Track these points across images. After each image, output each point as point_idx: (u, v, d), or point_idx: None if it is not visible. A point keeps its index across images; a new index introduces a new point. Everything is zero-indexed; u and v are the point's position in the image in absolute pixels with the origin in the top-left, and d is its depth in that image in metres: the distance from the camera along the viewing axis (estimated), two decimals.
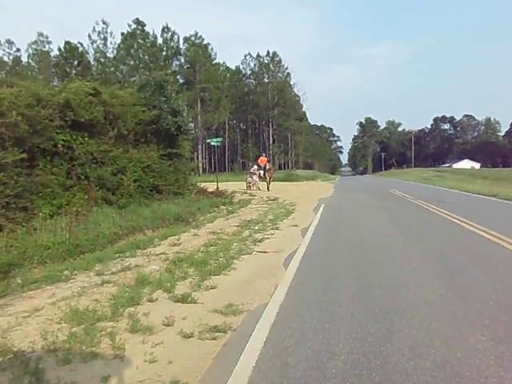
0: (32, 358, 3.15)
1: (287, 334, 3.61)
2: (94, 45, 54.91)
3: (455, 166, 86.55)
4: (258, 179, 23.63)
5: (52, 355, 3.24)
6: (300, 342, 3.42)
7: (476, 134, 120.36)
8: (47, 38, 55.52)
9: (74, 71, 52.14)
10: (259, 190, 22.73)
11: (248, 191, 21.69)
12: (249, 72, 74.06)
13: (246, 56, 73.93)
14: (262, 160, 24.55)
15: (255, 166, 24.32)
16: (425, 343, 3.33)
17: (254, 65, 73.40)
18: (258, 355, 3.20)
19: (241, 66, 73.92)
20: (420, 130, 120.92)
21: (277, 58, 72.13)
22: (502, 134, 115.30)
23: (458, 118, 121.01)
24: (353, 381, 2.79)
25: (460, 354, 3.13)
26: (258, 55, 72.80)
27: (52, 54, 55.33)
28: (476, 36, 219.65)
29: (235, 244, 7.73)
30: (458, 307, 4.17)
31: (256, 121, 75.24)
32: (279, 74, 72.90)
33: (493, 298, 4.41)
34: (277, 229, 9.67)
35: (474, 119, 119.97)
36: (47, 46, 55.57)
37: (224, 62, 70.79)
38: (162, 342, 3.51)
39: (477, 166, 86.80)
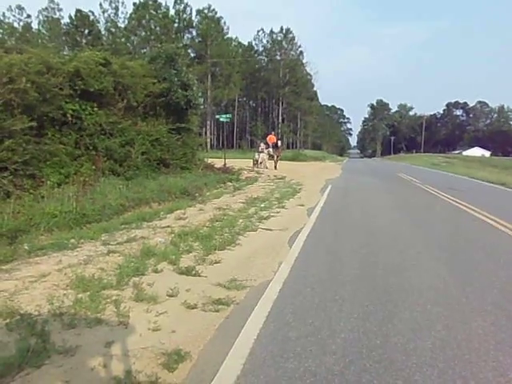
0: (38, 321, 3.21)
1: (289, 310, 3.64)
2: (106, 14, 54.58)
3: (465, 153, 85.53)
4: (266, 157, 23.37)
5: (58, 319, 3.31)
6: (301, 319, 3.45)
7: (488, 121, 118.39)
8: (58, 4, 55.13)
9: (84, 40, 51.74)
10: (266, 168, 22.58)
11: (255, 169, 21.56)
12: (261, 48, 73.05)
13: (258, 32, 72.82)
14: (271, 138, 24.27)
15: (263, 144, 23.96)
16: (426, 326, 3.35)
17: (267, 41, 72.33)
18: (259, 329, 3.25)
19: (253, 42, 72.88)
20: (432, 115, 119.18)
21: (290, 35, 70.93)
22: None
23: (471, 104, 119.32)
24: (352, 358, 2.82)
25: (460, 337, 3.16)
26: (272, 31, 71.62)
27: (62, 21, 54.90)
28: (493, 20, 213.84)
29: (241, 220, 7.75)
30: (461, 292, 4.18)
31: (266, 99, 74.43)
32: (292, 52, 71.79)
33: (496, 285, 4.42)
34: (283, 207, 9.67)
35: (488, 106, 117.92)
36: (58, 14, 55.25)
37: (236, 37, 69.81)
38: (166, 312, 3.56)
39: (487, 154, 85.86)
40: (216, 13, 60.75)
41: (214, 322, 3.39)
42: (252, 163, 23.13)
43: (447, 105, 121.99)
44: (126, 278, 4.30)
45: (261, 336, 3.13)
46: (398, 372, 2.65)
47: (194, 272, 4.62)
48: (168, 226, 7.06)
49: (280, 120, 70.92)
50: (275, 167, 22.98)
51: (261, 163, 22.86)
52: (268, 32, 71.75)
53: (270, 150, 23.68)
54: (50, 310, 3.46)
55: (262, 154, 23.09)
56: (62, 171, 9.31)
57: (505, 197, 14.26)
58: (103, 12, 54.55)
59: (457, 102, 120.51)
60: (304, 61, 74.12)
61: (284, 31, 70.85)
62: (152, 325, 3.30)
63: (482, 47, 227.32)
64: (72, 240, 5.83)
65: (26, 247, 5.32)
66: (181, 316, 3.52)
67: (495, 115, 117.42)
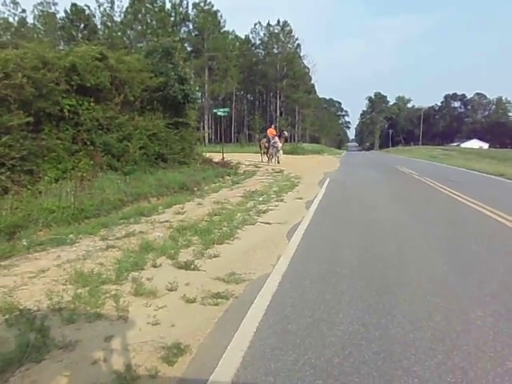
0: (38, 316, 3.22)
1: (288, 303, 3.65)
2: (101, 8, 54.08)
3: (463, 145, 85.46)
4: (281, 151, 22.75)
5: (57, 314, 3.32)
6: (301, 311, 3.46)
7: (486, 113, 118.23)
8: None
9: (80, 35, 51.40)
10: (278, 163, 22.10)
11: (268, 164, 21.19)
12: (258, 42, 72.59)
13: (255, 25, 72.27)
14: (271, 131, 24.02)
15: (276, 138, 22.75)
16: (425, 317, 3.36)
17: (264, 34, 71.79)
18: (258, 321, 3.25)
19: (250, 36, 72.44)
20: (430, 108, 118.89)
21: (287, 28, 70.42)
22: None
23: (469, 96, 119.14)
24: (351, 350, 2.83)
25: (459, 328, 3.17)
26: (269, 24, 71.08)
27: (58, 16, 54.46)
28: (491, 13, 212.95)
29: (239, 214, 7.75)
30: (459, 284, 4.20)
31: (264, 92, 74.21)
32: (289, 45, 71.27)
33: (495, 276, 4.43)
34: (281, 201, 9.67)
35: (486, 98, 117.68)
36: (53, 8, 54.70)
37: (233, 31, 69.36)
38: (165, 306, 3.57)
39: (485, 146, 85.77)
40: (212, 6, 60.34)
41: (213, 316, 3.40)
42: (261, 157, 22.95)
43: (445, 97, 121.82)
44: (125, 272, 4.30)
45: (260, 329, 3.13)
46: (396, 363, 2.67)
47: (192, 266, 4.62)
48: (167, 221, 7.06)
49: (278, 113, 70.70)
50: (278, 161, 22.74)
51: (272, 158, 22.41)
52: (265, 25, 71.41)
53: (279, 143, 22.72)
54: (50, 306, 3.47)
55: (274, 149, 22.44)
56: (59, 166, 9.30)
57: (502, 187, 14.27)
58: (99, 6, 54.07)
59: (455, 94, 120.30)
60: (301, 54, 73.81)
61: (281, 24, 70.42)
62: (151, 319, 3.31)
63: (480, 39, 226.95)
64: (70, 235, 5.83)
65: (25, 243, 5.32)
66: (180, 310, 3.52)
67: (493, 107, 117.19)
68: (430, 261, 5.03)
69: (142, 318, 3.32)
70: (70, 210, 6.87)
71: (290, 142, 69.83)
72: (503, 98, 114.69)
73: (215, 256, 5.12)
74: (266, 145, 23.04)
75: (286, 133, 24.10)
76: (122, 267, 4.42)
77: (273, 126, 26.91)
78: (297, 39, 71.52)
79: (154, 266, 4.62)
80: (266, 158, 23.04)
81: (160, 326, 3.21)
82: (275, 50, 70.43)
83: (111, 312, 3.42)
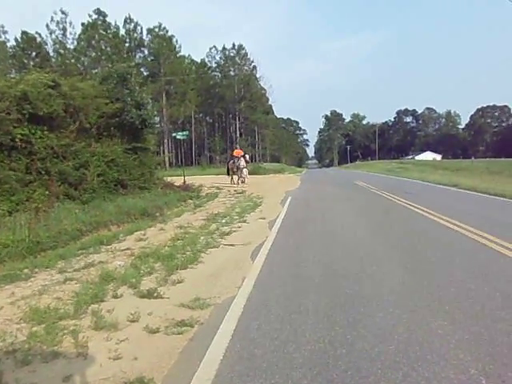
0: None
1: (254, 325, 3.61)
2: (53, 35, 53.09)
3: (418, 157, 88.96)
4: (247, 173, 22.54)
5: (10, 357, 3.13)
6: (267, 334, 3.43)
7: (437, 126, 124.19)
8: (3, 27, 53.04)
9: (32, 62, 50.24)
10: (242, 183, 21.90)
11: (238, 187, 20.91)
12: (214, 65, 73.47)
13: (211, 49, 73.25)
14: (238, 152, 23.99)
15: (242, 160, 22.42)
16: (388, 330, 3.41)
17: (220, 58, 72.92)
18: (225, 348, 3.19)
19: (206, 59, 73.22)
20: (384, 123, 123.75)
21: (243, 51, 71.88)
22: (462, 126, 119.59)
23: (420, 110, 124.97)
24: (319, 369, 2.82)
25: (422, 339, 3.23)
26: (224, 48, 72.29)
27: (8, 44, 53.01)
28: (435, 30, 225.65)
29: (202, 237, 7.67)
30: (419, 294, 4.29)
31: (223, 114, 74.78)
32: (245, 67, 72.58)
33: (453, 284, 4.57)
34: (244, 222, 9.67)
35: (435, 112, 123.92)
36: (3, 36, 53.18)
37: (189, 55, 70.09)
38: (127, 339, 3.44)
39: (438, 157, 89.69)
40: (167, 31, 60.80)
41: (177, 345, 3.31)
42: (231, 179, 22.64)
43: (397, 112, 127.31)
44: (84, 305, 4.13)
45: (227, 356, 3.07)
46: (364, 379, 2.67)
47: (155, 294, 4.51)
48: (128, 249, 6.89)
49: (238, 134, 71.27)
50: (243, 181, 22.34)
51: (242, 180, 22.15)
52: (220, 49, 72.46)
53: (243, 164, 22.44)
54: (2, 348, 3.27)
55: (245, 170, 22.26)
56: (12, 198, 8.95)
57: (454, 197, 14.89)
58: (50, 33, 53.11)
59: (406, 110, 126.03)
60: (258, 75, 75.17)
61: (236, 47, 71.78)
62: (113, 353, 3.18)
63: (429, 55, 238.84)
64: (25, 270, 5.58)
65: None
66: (143, 342, 3.41)
67: (443, 120, 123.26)
68: (390, 272, 5.12)
69: (102, 353, 3.19)
70: (24, 243, 6.58)
71: (252, 161, 70.44)
72: (452, 112, 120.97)
73: (179, 282, 5.01)
74: (234, 167, 22.74)
75: (247, 156, 24.08)
76: (80, 300, 4.25)
77: (238, 147, 26.94)
78: (252, 61, 73.11)
79: (115, 297, 4.47)
80: (235, 180, 22.66)
81: (122, 360, 3.08)
82: (232, 73, 71.49)
83: (70, 349, 3.26)
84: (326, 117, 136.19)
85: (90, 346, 3.30)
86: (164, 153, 53.83)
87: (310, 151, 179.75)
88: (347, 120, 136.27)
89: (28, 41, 51.89)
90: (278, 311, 3.91)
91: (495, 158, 63.97)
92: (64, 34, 53.55)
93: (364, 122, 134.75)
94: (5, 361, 3.06)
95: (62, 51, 53.67)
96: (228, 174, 23.53)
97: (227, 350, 3.17)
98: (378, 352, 3.02)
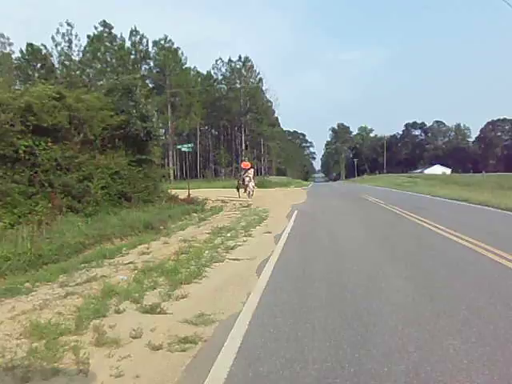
0: None
1: (260, 343, 3.50)
2: (59, 47, 53.63)
3: (427, 171, 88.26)
4: (253, 186, 22.26)
5: (9, 373, 3.03)
6: (273, 352, 3.32)
7: (446, 139, 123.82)
8: (8, 39, 53.68)
9: (37, 74, 50.70)
10: (250, 198, 21.42)
11: (243, 200, 20.51)
12: (220, 77, 73.83)
13: (217, 61, 73.65)
14: (245, 164, 23.91)
15: (249, 171, 22.27)
16: (398, 349, 3.29)
17: (226, 70, 73.29)
18: (229, 366, 3.08)
19: (212, 71, 73.70)
20: (392, 136, 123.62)
21: (249, 63, 72.14)
22: (472, 139, 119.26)
23: (428, 123, 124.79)
24: None
25: (433, 359, 3.11)
26: (230, 60, 72.67)
27: (14, 56, 53.59)
28: (444, 43, 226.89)
29: (207, 252, 7.58)
30: (430, 311, 4.17)
31: (228, 126, 74.95)
32: (251, 80, 72.78)
33: (465, 301, 4.43)
34: (249, 236, 9.57)
35: (445, 125, 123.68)
36: (8, 48, 53.79)
37: (195, 67, 70.50)
38: (129, 355, 3.35)
39: (448, 171, 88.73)
40: (173, 43, 61.37)
41: (180, 363, 3.20)
42: (239, 192, 22.27)
43: (406, 125, 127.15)
44: (86, 321, 4.04)
45: (231, 374, 2.96)
46: None
47: (158, 309, 4.41)
48: (131, 262, 6.80)
49: (243, 147, 71.37)
50: (250, 194, 21.92)
51: (250, 192, 21.78)
52: (226, 61, 72.91)
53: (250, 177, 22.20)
54: (2, 364, 3.18)
55: (251, 183, 21.93)
56: (15, 211, 8.91)
57: (466, 212, 14.73)
58: (56, 45, 53.57)
59: (415, 123, 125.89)
60: (264, 87, 75.32)
61: (242, 59, 72.09)
62: (114, 370, 3.08)
63: (438, 68, 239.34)
64: (26, 284, 5.49)
65: None
66: (145, 359, 3.31)
67: (452, 133, 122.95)
68: (399, 289, 5.00)
69: (104, 370, 3.09)
70: (26, 256, 6.52)
71: (257, 175, 70.49)
72: (461, 125, 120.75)
73: (183, 297, 4.91)
74: (241, 180, 22.45)
75: (251, 170, 23.87)
76: (82, 315, 4.16)
77: (246, 160, 26.81)
78: (258, 73, 73.26)
79: (118, 312, 4.38)
80: (241, 193, 22.32)
81: (124, 378, 2.99)
82: (238, 85, 71.70)
83: (70, 366, 3.17)
84: (333, 129, 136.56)
85: (92, 363, 3.20)
86: (169, 165, 53.88)
87: (317, 164, 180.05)
88: (354, 133, 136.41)
89: (33, 52, 52.41)
90: (284, 328, 3.81)
91: (506, 173, 63.31)
92: (69, 46, 54.10)
93: (371, 135, 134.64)
94: (4, 378, 2.97)
95: (67, 63, 54.14)
96: (237, 189, 23.18)
97: (232, 368, 3.06)
98: (388, 371, 2.91)
